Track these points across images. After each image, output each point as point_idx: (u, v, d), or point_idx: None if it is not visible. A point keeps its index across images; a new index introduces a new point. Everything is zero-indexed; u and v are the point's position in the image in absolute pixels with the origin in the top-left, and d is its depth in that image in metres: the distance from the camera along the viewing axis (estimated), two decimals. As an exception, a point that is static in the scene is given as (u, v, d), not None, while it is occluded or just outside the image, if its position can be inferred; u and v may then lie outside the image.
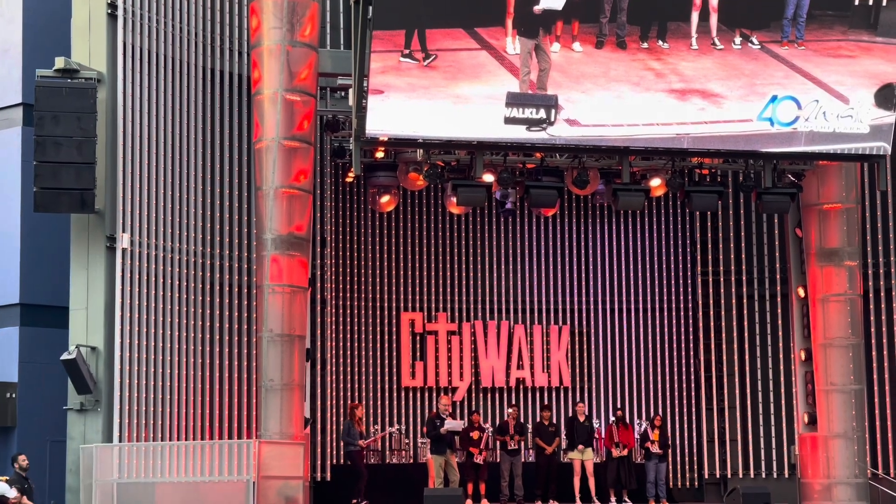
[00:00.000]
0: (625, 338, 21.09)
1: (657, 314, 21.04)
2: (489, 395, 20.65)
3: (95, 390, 16.41)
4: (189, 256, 17.47)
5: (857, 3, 16.91)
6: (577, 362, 20.99)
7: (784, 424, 20.01)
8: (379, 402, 20.42)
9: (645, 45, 16.79)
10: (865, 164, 18.60)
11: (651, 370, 20.96)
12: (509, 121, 16.74)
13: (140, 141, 16.99)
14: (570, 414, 19.74)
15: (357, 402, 19.51)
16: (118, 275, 16.63)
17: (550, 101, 16.78)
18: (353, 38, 16.66)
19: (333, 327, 19.97)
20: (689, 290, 20.99)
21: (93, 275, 16.62)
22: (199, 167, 17.71)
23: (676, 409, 20.84)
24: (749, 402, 20.24)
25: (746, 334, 20.41)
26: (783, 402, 20.01)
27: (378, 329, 20.50)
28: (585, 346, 21.02)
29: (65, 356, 16.32)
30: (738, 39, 16.94)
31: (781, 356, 20.09)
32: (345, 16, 19.19)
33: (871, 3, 16.90)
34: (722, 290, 20.57)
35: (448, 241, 20.78)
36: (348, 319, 20.26)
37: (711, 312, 20.66)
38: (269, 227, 17.09)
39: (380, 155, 18.02)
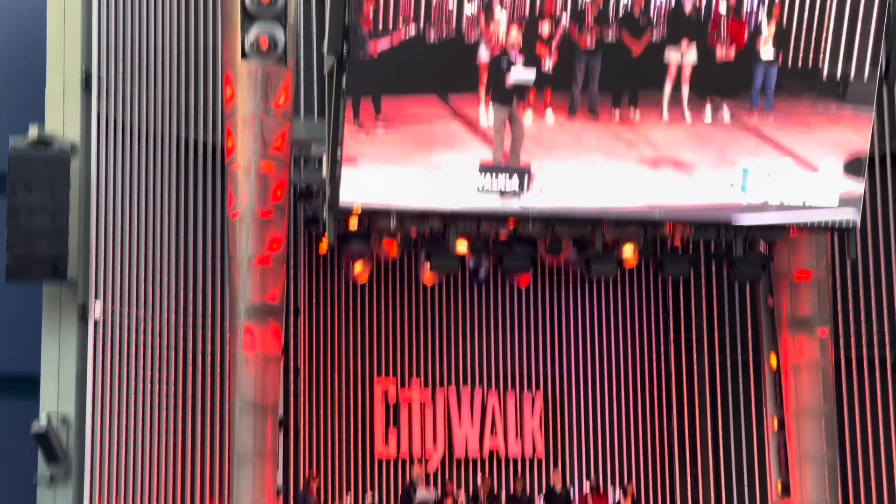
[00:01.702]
0: (598, 405, 21.04)
1: (630, 382, 21.02)
2: (462, 465, 20.54)
3: (66, 461, 16.26)
4: (162, 325, 17.41)
5: (825, 74, 17.15)
6: (551, 429, 20.92)
7: (757, 492, 19.97)
8: (352, 472, 20.27)
9: (617, 114, 16.95)
10: (836, 233, 18.71)
11: (624, 437, 20.89)
12: (482, 190, 16.82)
13: (113, 210, 16.98)
14: (546, 484, 19.65)
15: (316, 473, 19.35)
16: (90, 344, 16.54)
17: (523, 170, 16.89)
18: (326, 108, 16.78)
19: (306, 396, 19.87)
20: (662, 357, 21.00)
21: (64, 344, 16.53)
22: (173, 236, 17.70)
23: (650, 477, 20.77)
24: (722, 470, 20.20)
25: (719, 402, 20.41)
26: (756, 469, 19.98)
27: (351, 397, 20.40)
28: (559, 414, 20.96)
29: (35, 426, 16.18)
30: (708, 110, 17.13)
31: (754, 424, 20.08)
32: (318, 85, 19.32)
33: (838, 74, 17.14)
34: (695, 358, 20.59)
35: (421, 310, 20.75)
36: (321, 388, 20.17)
37: (684, 380, 20.67)
38: (243, 297, 17.07)
39: (353, 224, 18.03)
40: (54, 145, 16.53)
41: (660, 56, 16.78)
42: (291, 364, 19.23)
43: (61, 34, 16.92)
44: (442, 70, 16.43)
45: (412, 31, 16.12)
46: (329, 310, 20.34)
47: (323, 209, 17.55)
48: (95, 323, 16.61)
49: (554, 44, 16.55)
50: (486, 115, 16.66)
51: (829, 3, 16.86)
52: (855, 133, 17.38)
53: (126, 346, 16.94)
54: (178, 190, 17.86)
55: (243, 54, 17.20)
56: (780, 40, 16.96)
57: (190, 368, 17.69)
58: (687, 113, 17.06)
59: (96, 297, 16.64)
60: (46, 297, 16.72)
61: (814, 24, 16.94)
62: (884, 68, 17.20)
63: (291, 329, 19.18)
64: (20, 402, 17.73)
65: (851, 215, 17.59)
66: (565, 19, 16.45)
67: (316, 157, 17.90)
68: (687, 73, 16.94)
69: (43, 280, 16.53)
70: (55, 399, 16.45)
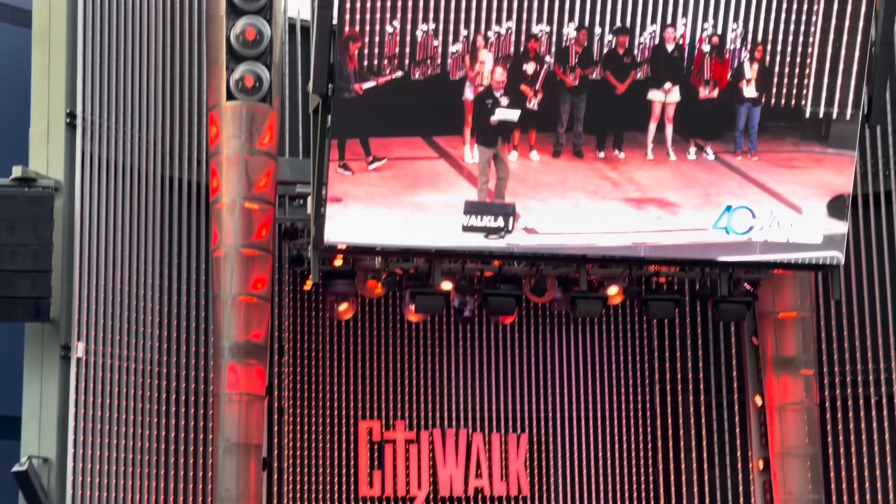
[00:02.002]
0: (583, 446, 20.98)
1: (615, 422, 20.97)
2: (447, 504, 20.48)
3: (47, 503, 16.12)
4: (145, 365, 17.32)
5: (807, 115, 17.25)
6: (536, 471, 20.85)
7: (743, 533, 19.93)
8: (336, 512, 20.18)
9: (601, 154, 17.01)
10: (820, 273, 18.77)
11: (609, 478, 20.83)
12: (467, 229, 16.84)
13: (97, 249, 16.91)
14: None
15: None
16: (72, 384, 16.42)
17: (508, 209, 16.91)
18: (311, 147, 16.80)
19: (291, 436, 19.76)
20: (647, 398, 20.97)
21: (46, 384, 16.41)
22: (157, 275, 17.64)
23: (635, 518, 20.73)
24: (708, 511, 20.17)
25: (704, 443, 20.36)
26: (742, 510, 19.95)
27: (336, 437, 20.29)
28: (544, 454, 20.90)
29: (16, 468, 16.05)
30: (692, 150, 17.20)
31: (739, 465, 20.03)
32: (303, 124, 19.35)
33: (821, 115, 17.24)
34: (680, 398, 20.56)
35: (406, 349, 20.70)
36: (306, 428, 20.06)
37: (669, 421, 20.62)
38: (227, 335, 17.01)
39: (338, 263, 18.03)
40: (37, 184, 16.49)
41: (644, 95, 16.86)
42: (275, 404, 19.14)
43: (46, 73, 16.90)
44: (427, 110, 16.47)
45: (397, 71, 16.18)
46: (313, 349, 20.27)
47: (308, 248, 17.55)
48: (78, 362, 16.50)
49: (539, 84, 16.62)
50: (472, 155, 16.70)
51: (811, 44, 16.99)
52: (838, 174, 17.47)
53: (109, 386, 16.83)
54: (163, 228, 17.82)
55: (228, 94, 17.22)
56: (763, 81, 17.07)
57: (173, 408, 17.58)
58: (671, 153, 17.14)
59: (79, 339, 16.54)
60: (29, 337, 16.61)
61: (796, 65, 17.06)
62: (866, 110, 17.32)
63: (275, 368, 19.11)
64: (1, 442, 17.60)
65: (835, 255, 17.65)
66: (550, 59, 16.53)
67: (301, 196, 17.89)
68: (670, 112, 17.03)
69: (25, 320, 16.42)
70: (37, 440, 16.31)
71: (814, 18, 16.90)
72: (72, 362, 16.50)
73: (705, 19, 16.76)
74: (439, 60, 16.30)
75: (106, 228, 17.07)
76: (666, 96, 16.97)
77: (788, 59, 17.05)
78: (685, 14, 16.70)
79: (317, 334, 20.33)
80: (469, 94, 16.50)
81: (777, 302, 18.89)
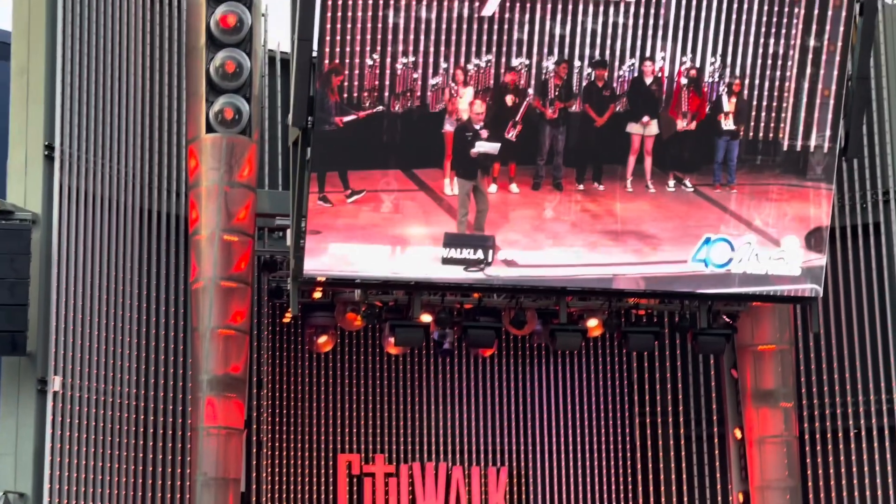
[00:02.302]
0: (562, 479, 20.92)
1: (595, 455, 20.93)
2: (427, 539, 20.38)
3: (23, 537, 15.98)
4: (122, 399, 17.20)
5: (785, 148, 17.35)
6: (516, 503, 20.78)
7: (724, 567, 19.88)
8: (315, 547, 20.05)
9: (581, 186, 17.05)
10: (798, 305, 18.81)
11: (589, 511, 20.81)
12: (447, 261, 16.84)
13: (74, 282, 16.82)
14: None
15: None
16: (49, 418, 16.28)
17: (488, 241, 16.92)
18: (291, 179, 16.78)
19: (269, 470, 19.64)
20: (627, 430, 20.94)
21: (22, 419, 16.26)
22: (135, 308, 17.54)
23: (615, 552, 20.67)
24: (688, 545, 20.12)
25: (684, 475, 20.34)
26: (722, 544, 19.91)
27: (315, 471, 20.18)
28: (523, 488, 20.83)
29: (-8, 501, 15.92)
30: (671, 182, 17.26)
31: (720, 498, 19.99)
32: (283, 157, 19.34)
33: (799, 148, 17.34)
34: (659, 431, 20.54)
35: (385, 382, 20.64)
36: (284, 461, 19.95)
37: (649, 454, 20.60)
38: (205, 369, 16.93)
39: (317, 295, 18.00)
40: (15, 216, 16.40)
41: (623, 128, 16.93)
42: (254, 437, 19.03)
43: (24, 106, 16.84)
44: (407, 143, 16.48)
45: (377, 104, 16.20)
46: (292, 382, 20.18)
47: (287, 280, 17.51)
48: (54, 396, 16.38)
49: (518, 116, 16.66)
50: (451, 187, 16.71)
51: (788, 78, 17.10)
52: (816, 207, 17.56)
53: (85, 421, 16.69)
54: (141, 261, 17.74)
55: (208, 126, 17.21)
56: (741, 114, 17.17)
57: (151, 443, 17.45)
58: (650, 185, 17.19)
59: (55, 372, 16.40)
60: (5, 370, 16.47)
61: (774, 98, 17.18)
62: (843, 143, 17.42)
63: (254, 402, 19.01)
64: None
65: (814, 287, 17.71)
66: (530, 92, 16.58)
67: (280, 229, 17.86)
68: (649, 145, 17.09)
69: (2, 354, 16.29)
70: (12, 474, 16.15)
71: (791, 52, 17.02)
72: (48, 396, 16.36)
73: (683, 53, 16.86)
74: (419, 93, 16.33)
75: (84, 261, 16.98)
76: (645, 129, 17.04)
77: (766, 92, 17.16)
78: (664, 48, 16.79)
79: (296, 367, 20.25)
80: (449, 126, 16.53)
81: (756, 334, 18.91)
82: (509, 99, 16.58)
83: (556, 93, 16.70)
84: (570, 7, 16.40)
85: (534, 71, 16.56)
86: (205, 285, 17.01)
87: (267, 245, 18.14)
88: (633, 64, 16.79)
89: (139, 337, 17.53)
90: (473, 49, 16.34)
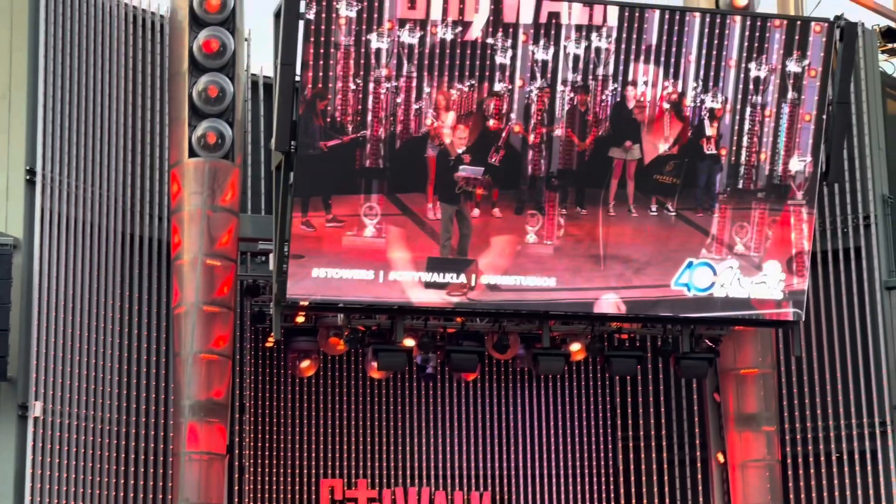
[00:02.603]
0: (546, 503, 20.88)
1: (578, 479, 20.89)
2: (410, 565, 20.30)
3: (3, 564, 15.88)
4: (104, 424, 17.11)
5: (766, 173, 17.43)
6: (498, 529, 20.76)
7: (707, 592, 19.86)
8: (298, 573, 19.95)
9: (563, 211, 17.08)
10: (780, 329, 18.86)
11: (573, 536, 20.77)
12: (430, 286, 16.84)
13: (56, 307, 16.75)
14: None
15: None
16: (29, 444, 16.19)
17: (471, 266, 16.93)
18: (274, 204, 16.77)
19: (252, 495, 19.54)
20: (610, 455, 20.91)
21: (3, 444, 16.17)
22: (117, 332, 17.48)
23: (598, 576, 20.62)
24: (671, 569, 20.09)
25: (667, 499, 20.31)
26: (705, 568, 19.89)
27: (297, 496, 20.08)
28: (506, 512, 20.81)
29: (-28, 528, 15.81)
30: (654, 206, 17.30)
31: (703, 521, 20.03)
32: (266, 181, 19.32)
33: (780, 173, 17.42)
34: (642, 455, 20.53)
35: (368, 407, 20.58)
36: (267, 486, 19.85)
37: (632, 478, 20.57)
38: (187, 394, 16.87)
39: (300, 320, 17.94)
40: (-4, 240, 16.36)
41: (605, 152, 16.98)
42: (236, 462, 18.94)
43: (6, 130, 16.80)
44: (391, 168, 16.49)
45: (361, 128, 16.22)
46: (275, 406, 20.11)
47: (270, 305, 17.47)
48: (35, 422, 16.29)
49: (501, 141, 16.70)
50: (434, 212, 16.72)
51: (770, 103, 17.19)
52: (798, 231, 17.64)
53: (67, 446, 16.61)
54: (123, 286, 17.69)
55: (190, 150, 17.20)
56: (723, 139, 17.23)
57: (132, 468, 17.36)
58: (633, 209, 17.23)
59: (36, 398, 16.32)
60: (-14, 395, 16.42)
61: (755, 124, 17.25)
62: (824, 168, 17.51)
63: (237, 426, 18.93)
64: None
65: (796, 311, 17.77)
66: (512, 116, 16.62)
67: (263, 253, 17.83)
68: (632, 169, 17.14)
69: (-18, 379, 16.23)
70: (-7, 500, 16.10)
71: (772, 77, 17.12)
72: (29, 422, 16.28)
73: (666, 78, 16.94)
74: (402, 118, 16.36)
75: (65, 286, 16.92)
76: (627, 153, 17.10)
77: (748, 117, 17.25)
78: (646, 73, 16.87)
79: (278, 392, 20.18)
80: (432, 151, 16.56)
81: (738, 358, 18.94)
82: (492, 123, 16.63)
83: (539, 117, 16.74)
84: (552, 32, 16.48)
85: (516, 96, 16.61)
86: (187, 310, 16.97)
87: (250, 269, 18.12)
88: (615, 88, 16.86)
89: (121, 362, 17.46)
90: (456, 74, 16.39)
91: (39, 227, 16.69)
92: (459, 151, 16.61)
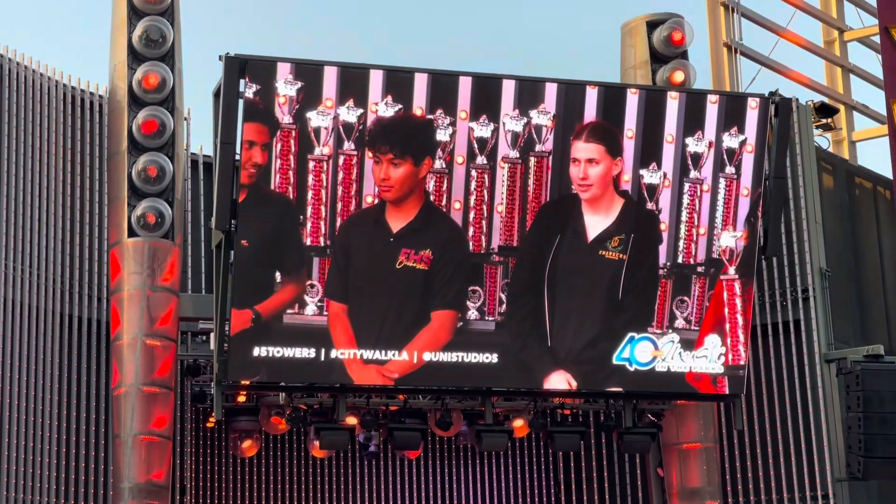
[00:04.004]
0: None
1: (523, 556, 20.79)
2: None
3: None
4: (42, 510, 16.84)
5: (705, 246, 17.54)
6: None
7: None
8: None
9: (505, 286, 17.07)
10: (722, 403, 18.92)
11: None
12: (370, 362, 16.73)
13: (-8, 389, 16.52)
14: None
15: None
16: (-37, 531, 15.92)
17: (411, 342, 16.84)
18: (214, 283, 16.67)
19: (192, 578, 19.26)
20: (555, 530, 20.84)
21: (-64, 530, 15.88)
22: (55, 416, 17.23)
23: None
24: None
25: (612, 575, 20.25)
26: None
27: (239, 579, 19.83)
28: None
29: None
30: (599, 282, 17.32)
31: None
32: (206, 260, 19.21)
33: (719, 247, 17.55)
34: (587, 531, 20.47)
35: (311, 486, 20.37)
36: (208, 570, 19.58)
37: (577, 554, 20.49)
38: (127, 476, 16.65)
39: (241, 399, 17.79)
40: (-68, 323, 16.14)
41: (547, 227, 17.03)
42: (177, 545, 18.67)
43: (-56, 211, 16.69)
44: (332, 245, 16.43)
45: (302, 207, 16.17)
46: (216, 487, 19.85)
47: (210, 385, 17.30)
48: (-30, 507, 16.01)
49: (441, 216, 16.70)
50: (375, 288, 16.66)
51: (707, 178, 17.38)
52: (736, 305, 17.74)
53: (3, 531, 16.33)
54: (62, 367, 17.46)
55: (130, 230, 17.11)
56: (663, 214, 17.38)
57: (69, 554, 17.08)
58: (576, 285, 17.22)
59: (-29, 481, 16.08)
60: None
61: (694, 197, 17.37)
62: (762, 242, 17.69)
63: (177, 508, 18.67)
64: None
65: (736, 385, 17.84)
66: (453, 192, 16.66)
67: (203, 333, 17.68)
68: (575, 245, 17.19)
69: (-84, 463, 15.94)
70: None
71: (709, 152, 17.31)
72: (-37, 507, 15.99)
73: (606, 153, 17.03)
74: (342, 194, 16.32)
75: (3, 368, 16.68)
76: (569, 229, 17.16)
77: (686, 192, 17.38)
78: (586, 149, 16.98)
79: (220, 472, 19.95)
80: (373, 228, 16.51)
81: (681, 433, 18.98)
82: (433, 199, 16.65)
83: (480, 194, 16.78)
84: (491, 110, 16.58)
85: (456, 172, 16.61)
86: (126, 391, 16.79)
87: (190, 349, 17.95)
88: (555, 164, 16.92)
89: (59, 444, 17.20)
90: (398, 149, 16.38)
91: (-24, 308, 16.51)
92: (400, 227, 16.59)
